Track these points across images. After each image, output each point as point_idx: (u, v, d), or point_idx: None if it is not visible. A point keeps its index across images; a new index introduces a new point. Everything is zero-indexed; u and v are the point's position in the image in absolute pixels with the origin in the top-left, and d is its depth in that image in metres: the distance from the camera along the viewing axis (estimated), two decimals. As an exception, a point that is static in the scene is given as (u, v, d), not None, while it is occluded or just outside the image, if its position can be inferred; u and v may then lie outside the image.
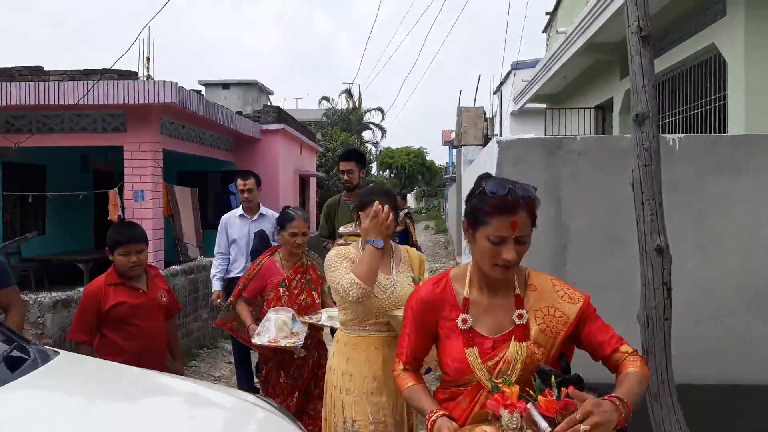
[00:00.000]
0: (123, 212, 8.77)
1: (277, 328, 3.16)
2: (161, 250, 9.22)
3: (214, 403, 1.99)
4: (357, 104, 35.16)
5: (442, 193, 38.87)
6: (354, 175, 4.33)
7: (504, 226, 1.57)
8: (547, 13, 15.99)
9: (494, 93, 35.63)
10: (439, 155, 51.50)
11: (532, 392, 1.53)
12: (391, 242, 2.63)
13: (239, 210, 4.92)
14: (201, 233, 11.37)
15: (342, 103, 35.40)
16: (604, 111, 10.88)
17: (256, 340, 3.19)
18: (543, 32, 17.30)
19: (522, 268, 1.72)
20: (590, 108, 11.09)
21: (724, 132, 5.89)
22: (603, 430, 1.37)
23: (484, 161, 4.40)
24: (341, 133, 26.82)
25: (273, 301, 3.48)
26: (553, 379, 1.51)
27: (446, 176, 40.42)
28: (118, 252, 2.92)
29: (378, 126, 37.51)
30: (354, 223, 3.98)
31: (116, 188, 8.89)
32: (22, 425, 1.52)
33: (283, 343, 3.12)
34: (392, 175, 41.03)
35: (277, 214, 4.73)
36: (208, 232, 11.45)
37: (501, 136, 25.12)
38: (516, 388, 1.51)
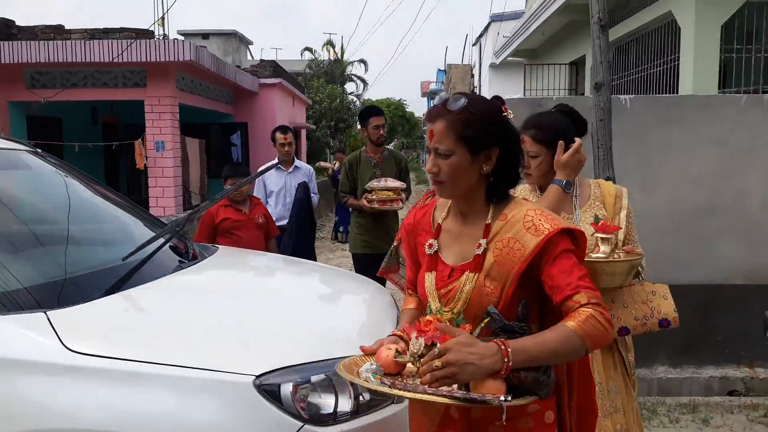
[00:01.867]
0: (147, 161, 9.66)
1: None
2: (180, 196, 10.16)
3: (352, 278, 2.99)
4: (340, 56, 35.47)
5: (421, 145, 39.61)
6: (384, 129, 4.63)
7: (428, 136, 1.51)
8: (528, -30, 16.71)
9: (473, 45, 36.16)
10: (417, 107, 52.04)
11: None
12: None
13: (274, 160, 5.18)
14: (206, 182, 12.28)
15: (324, 55, 35.65)
16: (577, 67, 11.93)
17: None
18: (524, -12, 18.03)
19: (512, 198, 1.56)
20: (565, 64, 12.11)
21: (677, 89, 6.99)
22: (458, 372, 1.24)
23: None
24: (327, 85, 27.34)
25: None
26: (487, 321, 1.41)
27: (425, 128, 41.14)
28: (228, 183, 3.96)
29: (361, 79, 37.92)
30: (383, 178, 4.42)
31: (140, 139, 9.73)
32: (214, 290, 2.47)
33: None
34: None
35: (309, 167, 5.42)
36: (213, 182, 12.42)
37: (480, 87, 26.00)
38: (440, 318, 1.44)
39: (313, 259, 4.70)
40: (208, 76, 11.14)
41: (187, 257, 2.61)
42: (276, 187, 5.11)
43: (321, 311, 2.38)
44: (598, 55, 3.84)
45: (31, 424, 1.51)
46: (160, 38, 9.54)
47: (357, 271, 4.35)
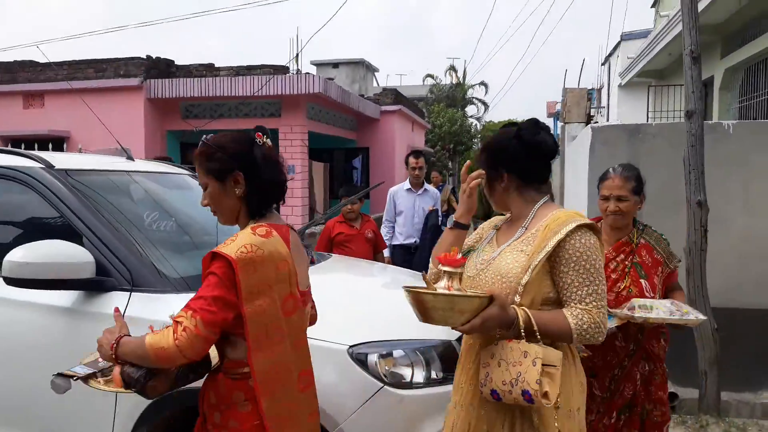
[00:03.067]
0: (278, 183, 10.77)
1: None
2: (306, 215, 11.16)
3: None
4: (461, 80, 36.08)
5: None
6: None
7: None
8: (654, -11, 16.27)
9: (602, 64, 35.07)
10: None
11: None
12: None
13: (406, 184, 5.49)
14: (328, 202, 13.29)
15: (446, 80, 36.44)
16: (705, 87, 11.45)
17: None
18: (651, 7, 17.52)
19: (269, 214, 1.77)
20: (692, 85, 11.65)
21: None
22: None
23: (582, 140, 5.66)
24: (447, 109, 28.00)
25: None
26: None
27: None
28: (343, 201, 4.61)
29: (481, 101, 38.20)
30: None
31: (272, 163, 10.89)
32: (325, 284, 3.05)
33: None
34: (494, 150, 41.48)
35: (435, 190, 5.73)
36: (334, 202, 13.37)
37: (609, 107, 25.21)
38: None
39: None
40: (335, 106, 12.16)
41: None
42: (405, 207, 5.42)
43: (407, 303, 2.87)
44: (690, 85, 4.01)
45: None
46: (294, 73, 10.67)
47: None
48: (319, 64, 22.24)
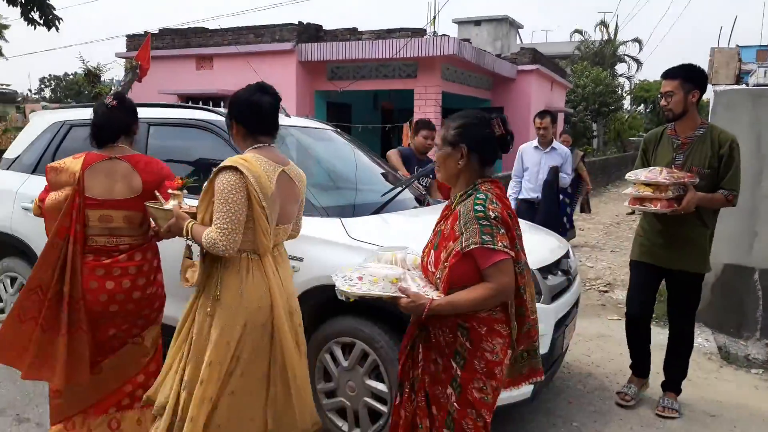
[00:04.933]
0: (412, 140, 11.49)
1: None
2: (437, 171, 11.80)
3: (532, 227, 3.99)
4: (612, 36, 33.98)
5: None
6: (673, 98, 3.26)
7: None
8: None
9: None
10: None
11: None
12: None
13: (534, 142, 5.68)
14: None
15: (596, 35, 34.51)
16: None
17: None
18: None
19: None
20: None
21: None
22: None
23: (713, 105, 5.58)
24: (592, 68, 26.77)
25: None
26: None
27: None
28: None
29: (634, 58, 35.71)
30: (661, 168, 3.21)
31: (408, 122, 11.60)
32: (428, 218, 3.70)
33: None
34: (648, 111, 38.86)
35: (566, 149, 5.83)
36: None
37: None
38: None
39: (556, 229, 4.54)
40: (469, 66, 12.51)
41: (421, 204, 3.89)
42: (531, 164, 5.68)
43: None
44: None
45: (324, 270, 2.86)
46: (431, 36, 11.18)
47: (631, 281, 3.59)
48: (460, 22, 22.30)
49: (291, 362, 2.37)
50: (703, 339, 4.64)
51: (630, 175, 3.33)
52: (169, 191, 2.50)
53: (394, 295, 2.01)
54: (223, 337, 2.27)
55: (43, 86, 50.12)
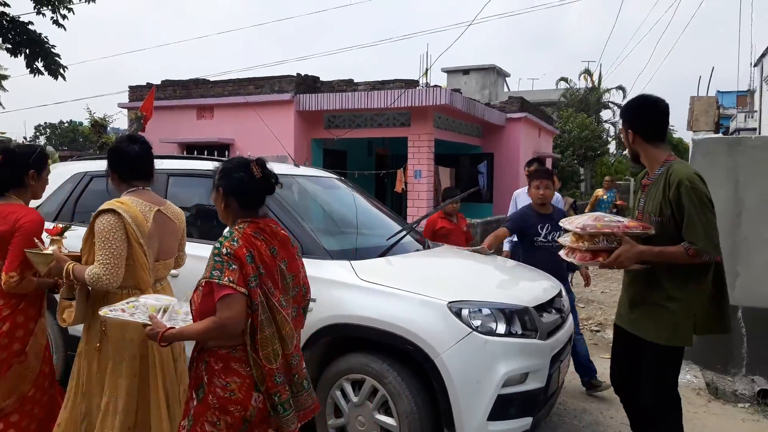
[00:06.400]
0: (406, 186, 11.83)
1: None
2: (431, 216, 12.10)
3: (527, 269, 4.17)
4: (597, 84, 35.11)
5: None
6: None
7: None
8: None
9: (754, 65, 32.41)
10: (688, 133, 47.63)
11: None
12: None
13: (526, 188, 5.81)
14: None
15: (581, 83, 35.63)
16: None
17: None
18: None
19: None
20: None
21: None
22: None
23: (692, 152, 5.92)
24: (577, 114, 27.59)
25: None
26: None
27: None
28: (452, 203, 5.44)
29: (618, 106, 36.81)
30: (597, 215, 2.78)
31: (402, 168, 11.97)
32: (434, 261, 3.93)
33: None
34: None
35: (559, 197, 6.03)
36: (461, 204, 14.15)
37: (762, 110, 23.42)
38: None
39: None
40: (460, 115, 12.99)
41: (423, 246, 4.15)
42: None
43: (496, 277, 3.76)
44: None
45: (336, 310, 3.10)
46: (423, 87, 11.66)
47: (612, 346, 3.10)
48: (450, 71, 22.98)
49: (172, 389, 2.58)
50: (692, 375, 4.84)
51: (563, 222, 2.92)
52: (50, 237, 2.70)
53: (139, 321, 2.20)
54: (114, 371, 2.48)
55: (38, 134, 50.58)
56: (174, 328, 2.11)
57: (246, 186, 2.20)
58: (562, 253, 2.88)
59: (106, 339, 2.49)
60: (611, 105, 36.69)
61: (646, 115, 2.80)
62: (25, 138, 36.30)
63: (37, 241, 2.71)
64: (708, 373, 4.91)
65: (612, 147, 36.42)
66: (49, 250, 2.64)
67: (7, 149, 2.99)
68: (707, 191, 2.61)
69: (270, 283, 2.10)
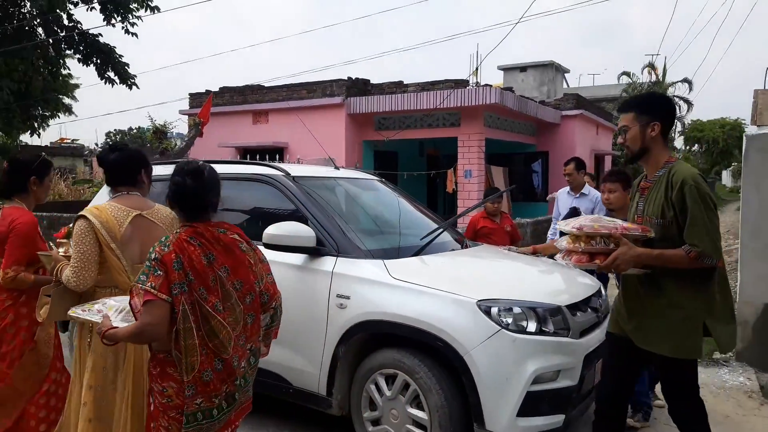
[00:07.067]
0: (456, 186, 11.83)
1: None
2: (482, 215, 12.05)
3: (562, 267, 4.17)
4: (660, 78, 33.78)
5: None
6: (629, 133, 2.72)
7: None
8: None
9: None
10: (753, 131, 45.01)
11: None
12: None
13: (568, 187, 5.95)
14: (510, 205, 13.97)
15: (643, 78, 34.36)
16: None
17: None
18: None
19: None
20: None
21: None
22: None
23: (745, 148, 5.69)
24: (639, 110, 26.59)
25: None
26: None
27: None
28: (488, 202, 5.43)
29: (684, 99, 35.29)
30: (594, 217, 2.75)
31: (452, 168, 11.98)
32: (470, 260, 3.97)
33: None
34: (701, 150, 38.02)
35: (597, 193, 5.86)
36: (515, 204, 14.01)
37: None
38: None
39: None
40: (512, 114, 12.87)
41: (461, 246, 4.22)
42: (563, 209, 5.96)
43: (531, 276, 3.77)
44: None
45: (369, 307, 3.21)
46: (473, 87, 11.64)
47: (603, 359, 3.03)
48: (506, 69, 22.68)
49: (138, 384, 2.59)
50: (745, 378, 4.67)
51: (560, 223, 2.77)
52: (57, 240, 2.93)
53: (93, 319, 2.28)
54: (98, 363, 2.59)
55: (109, 140, 53.26)
56: (117, 327, 2.14)
57: (182, 191, 2.19)
58: (558, 256, 2.76)
59: (93, 335, 2.60)
60: (676, 99, 35.20)
61: (673, 112, 2.76)
62: (96, 144, 38.38)
63: (51, 243, 3.00)
64: (764, 375, 4.72)
65: (678, 142, 35.00)
66: (60, 251, 2.86)
67: (12, 158, 3.30)
68: (711, 193, 2.52)
69: (203, 289, 2.06)
